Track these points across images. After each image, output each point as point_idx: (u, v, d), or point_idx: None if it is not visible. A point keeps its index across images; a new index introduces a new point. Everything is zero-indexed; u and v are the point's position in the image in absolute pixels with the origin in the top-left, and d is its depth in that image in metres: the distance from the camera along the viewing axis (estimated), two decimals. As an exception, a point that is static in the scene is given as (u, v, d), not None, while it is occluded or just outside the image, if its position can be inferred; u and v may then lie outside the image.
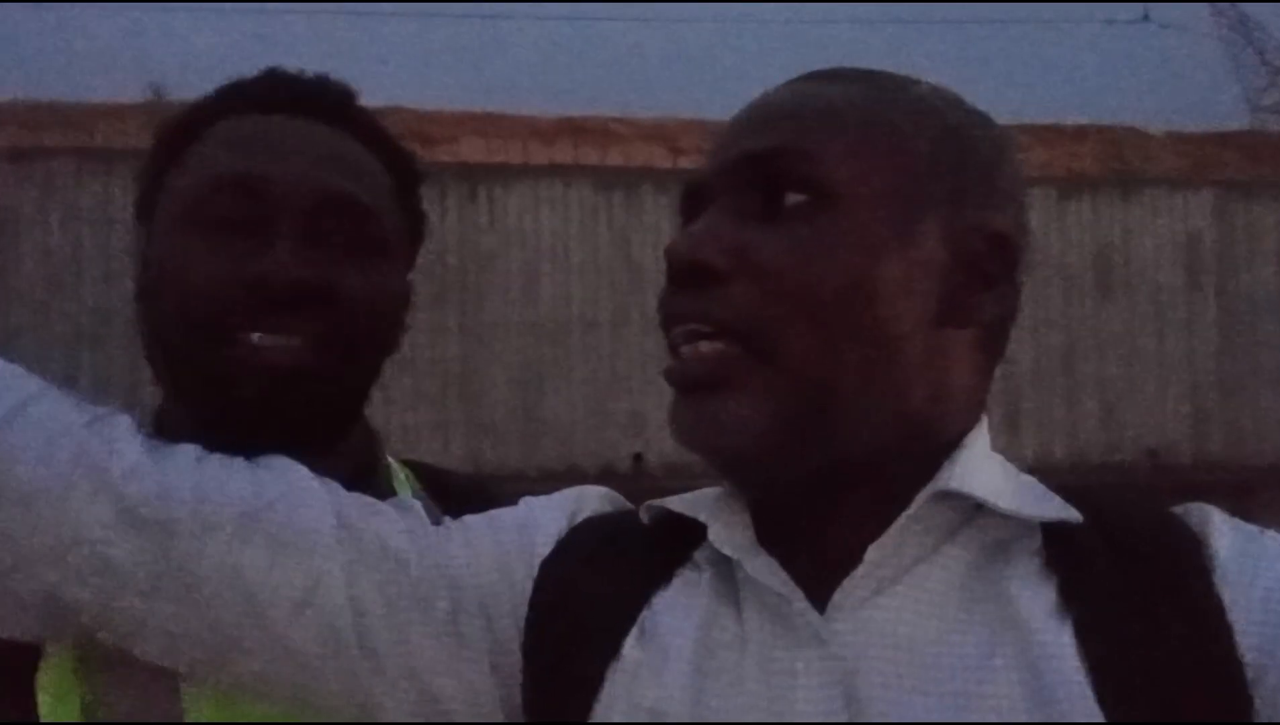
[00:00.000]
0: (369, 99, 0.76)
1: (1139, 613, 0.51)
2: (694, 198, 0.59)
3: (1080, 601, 0.52)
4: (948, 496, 0.54)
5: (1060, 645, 0.50)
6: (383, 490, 0.73)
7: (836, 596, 0.53)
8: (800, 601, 0.54)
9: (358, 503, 0.62)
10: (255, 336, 0.67)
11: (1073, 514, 0.53)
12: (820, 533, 0.56)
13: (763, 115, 0.57)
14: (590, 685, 0.56)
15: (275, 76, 0.74)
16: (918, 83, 0.60)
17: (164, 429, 0.70)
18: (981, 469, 0.56)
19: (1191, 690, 0.49)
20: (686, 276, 0.55)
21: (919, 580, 0.53)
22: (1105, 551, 0.53)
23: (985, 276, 0.56)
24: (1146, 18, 13.46)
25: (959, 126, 0.58)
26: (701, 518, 0.57)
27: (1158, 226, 7.66)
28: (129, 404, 0.71)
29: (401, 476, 0.77)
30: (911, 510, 0.54)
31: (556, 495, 0.65)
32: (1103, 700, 0.49)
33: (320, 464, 0.70)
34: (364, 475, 0.73)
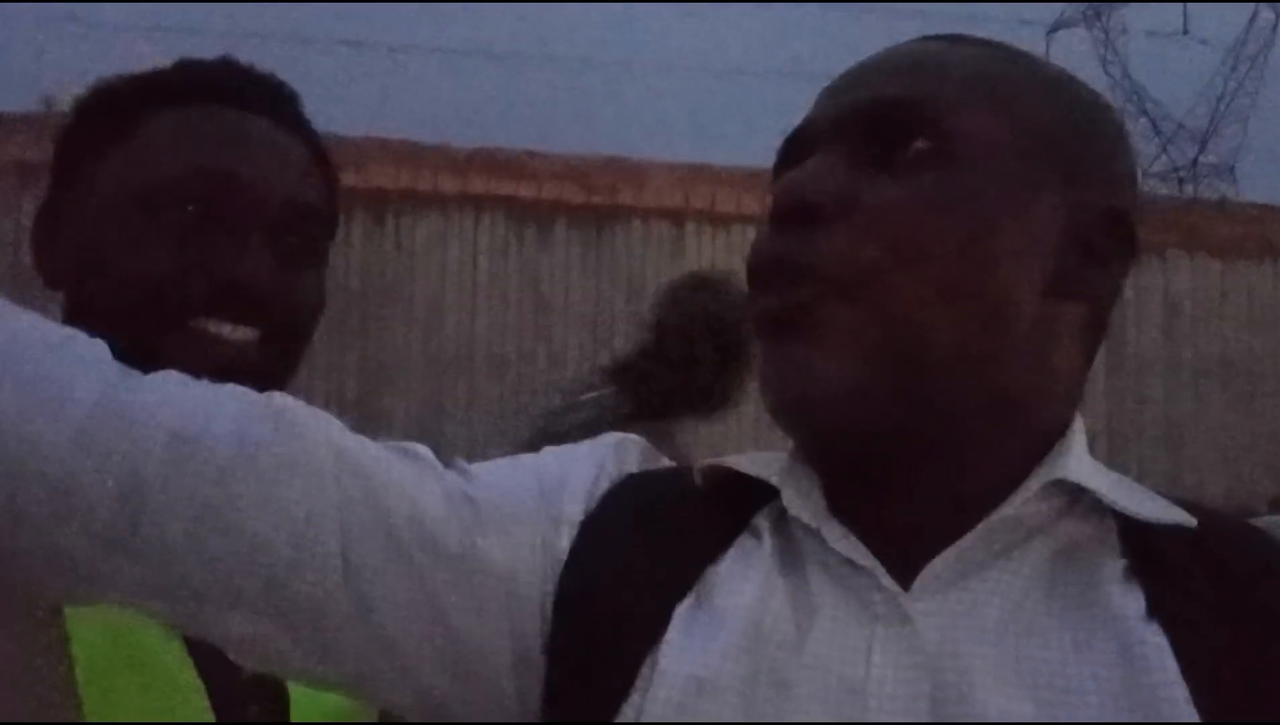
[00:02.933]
0: None
1: (1229, 627, 0.50)
2: (798, 146, 0.56)
3: (1170, 611, 0.50)
4: (1056, 486, 0.52)
5: (1158, 648, 0.49)
6: None
7: (924, 575, 0.51)
8: (884, 577, 0.51)
9: (358, 444, 0.56)
10: (208, 323, 0.69)
11: (1186, 517, 0.52)
12: (899, 508, 0.53)
13: (886, 66, 0.56)
14: (637, 656, 0.51)
15: (232, 68, 0.75)
16: (1042, 59, 0.60)
17: None
18: (1088, 462, 0.54)
19: None
20: (791, 216, 0.52)
21: (1010, 569, 0.51)
22: (1192, 563, 0.51)
23: (1098, 252, 0.55)
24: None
25: (1082, 101, 0.58)
26: (774, 481, 0.54)
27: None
28: None
29: None
30: (1028, 493, 0.52)
31: (588, 445, 0.60)
32: (1200, 709, 0.48)
33: None
34: None
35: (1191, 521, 0.52)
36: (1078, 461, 0.53)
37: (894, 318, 0.51)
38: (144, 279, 0.69)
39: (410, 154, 7.29)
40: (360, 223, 7.13)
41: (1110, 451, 7.71)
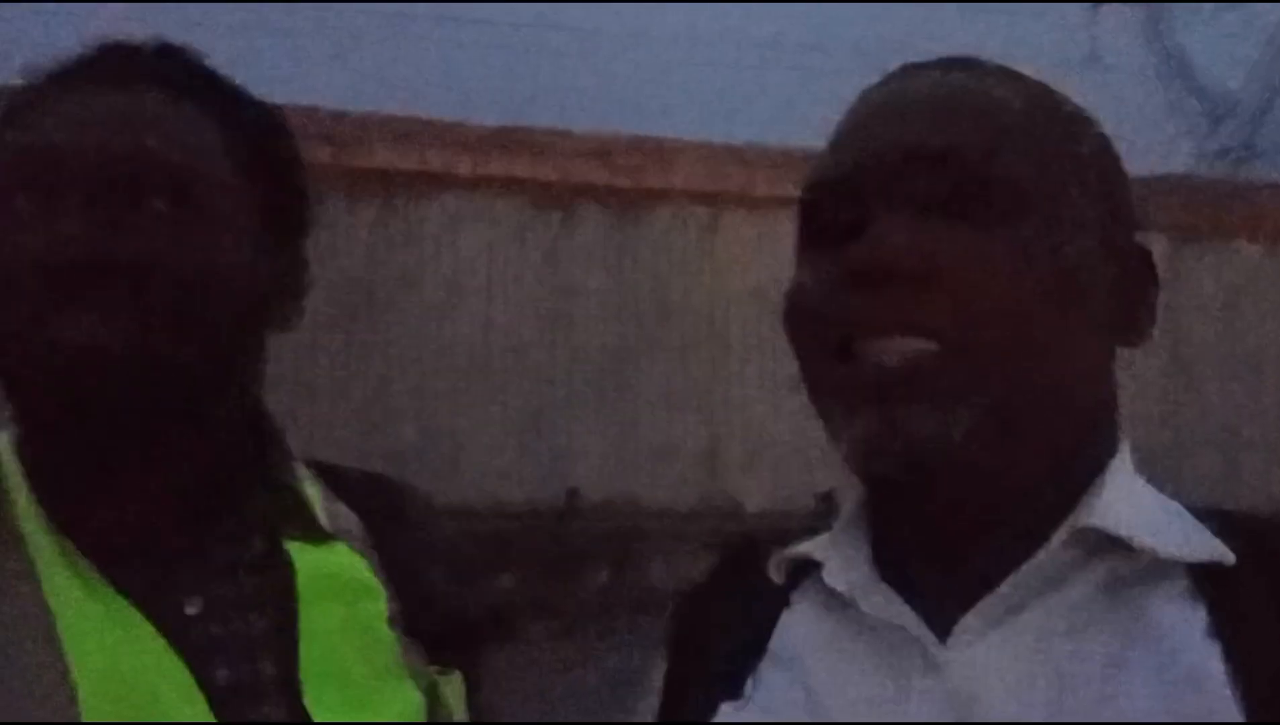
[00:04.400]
0: (271, 96, 0.73)
1: None
2: (843, 192, 0.58)
3: (1231, 631, 0.52)
4: (1088, 530, 0.55)
5: (1208, 670, 0.51)
6: (291, 507, 0.72)
7: (960, 626, 0.55)
8: (918, 628, 0.55)
9: None
10: (50, 324, 0.63)
11: (1225, 553, 0.54)
12: (948, 559, 0.57)
13: (932, 110, 0.58)
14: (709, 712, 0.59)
15: (106, 48, 0.71)
16: (1060, 92, 0.62)
17: (30, 435, 0.69)
18: (1125, 499, 0.56)
19: None
20: (880, 280, 0.55)
21: (1046, 609, 0.55)
22: (1259, 581, 0.53)
23: (1136, 287, 0.59)
24: (1094, 57, 13.86)
25: (1104, 138, 0.61)
26: (817, 556, 0.59)
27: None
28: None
29: (308, 481, 0.75)
30: (1052, 545, 0.54)
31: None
32: None
33: (187, 459, 0.69)
34: (267, 486, 0.72)
35: (1228, 558, 0.53)
36: (1107, 505, 0.55)
37: (995, 373, 0.54)
38: None
39: (422, 132, 7.29)
40: (368, 206, 7.15)
41: (1167, 448, 7.63)
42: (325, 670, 0.67)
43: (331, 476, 0.77)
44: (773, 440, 7.44)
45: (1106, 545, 0.54)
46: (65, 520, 0.66)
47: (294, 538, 0.70)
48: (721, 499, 7.42)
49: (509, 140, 7.48)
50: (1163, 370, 7.84)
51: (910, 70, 0.61)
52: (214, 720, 0.64)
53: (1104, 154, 0.61)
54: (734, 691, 0.59)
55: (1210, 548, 0.54)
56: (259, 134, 0.72)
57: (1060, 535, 0.54)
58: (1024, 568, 0.54)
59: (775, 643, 0.60)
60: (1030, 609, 0.54)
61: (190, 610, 0.66)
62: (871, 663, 0.56)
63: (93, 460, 0.68)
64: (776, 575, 0.61)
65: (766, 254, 7.56)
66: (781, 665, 0.59)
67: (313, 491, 0.74)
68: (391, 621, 0.70)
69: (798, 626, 0.60)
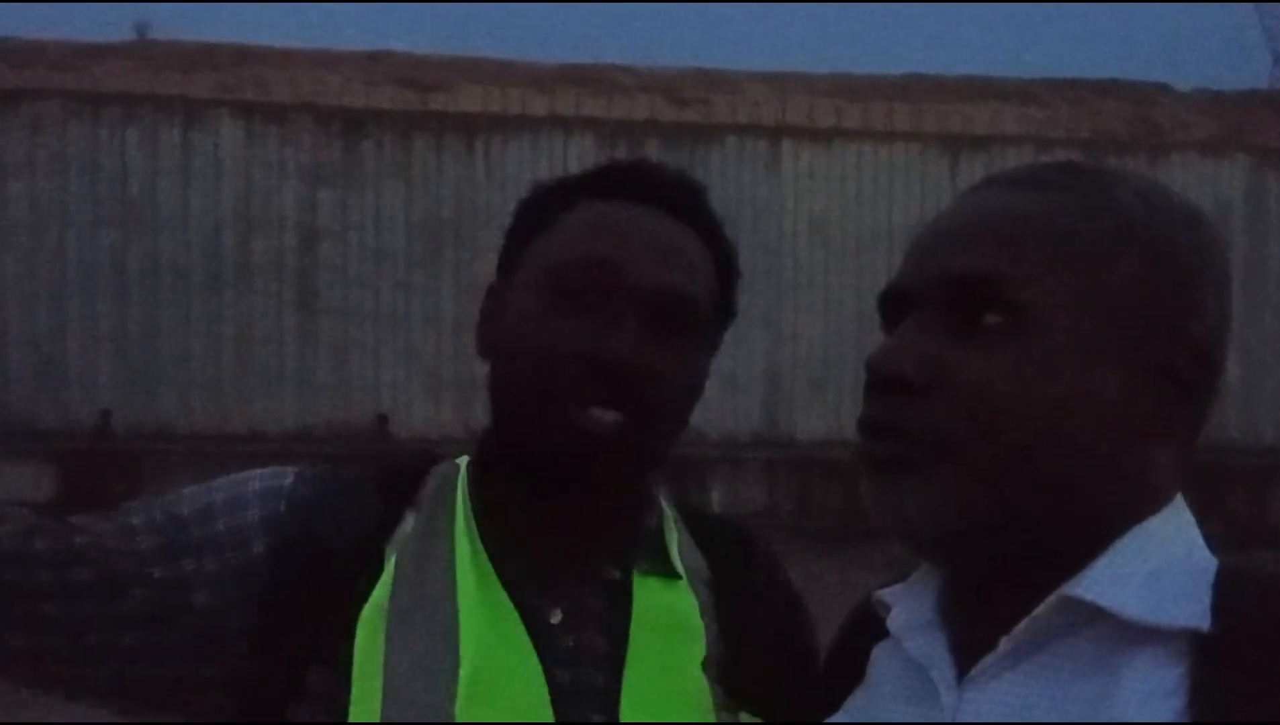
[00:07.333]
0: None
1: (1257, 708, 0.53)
2: (893, 301, 0.64)
3: (1198, 690, 0.55)
4: (1072, 600, 0.58)
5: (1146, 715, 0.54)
6: (657, 547, 0.82)
7: (974, 670, 0.61)
8: (938, 671, 0.62)
9: None
10: (579, 407, 0.76)
11: (1200, 620, 0.56)
12: (984, 608, 0.62)
13: (963, 232, 0.62)
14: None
15: (637, 168, 0.86)
16: (1122, 184, 0.63)
17: (484, 460, 0.82)
18: (1128, 565, 0.59)
19: None
20: (884, 386, 0.60)
21: (1038, 665, 0.59)
22: (1242, 641, 0.55)
23: (1184, 386, 0.60)
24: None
25: (1160, 237, 0.61)
26: (888, 601, 0.67)
27: (1186, 192, 7.54)
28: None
29: (672, 523, 0.85)
30: (1038, 613, 0.59)
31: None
32: None
33: (598, 519, 0.81)
34: (637, 536, 0.82)
35: (1202, 624, 0.55)
36: (1098, 575, 0.58)
37: (982, 476, 0.58)
38: (532, 361, 0.78)
39: (497, 71, 7.27)
40: (451, 149, 7.18)
41: (1245, 370, 7.41)
42: (641, 690, 0.77)
43: (692, 519, 0.87)
44: (831, 371, 7.40)
45: (1096, 610, 0.58)
46: (488, 539, 0.79)
47: (645, 572, 0.81)
48: (779, 429, 7.42)
49: (577, 76, 7.43)
50: (1242, 292, 7.57)
51: (984, 183, 0.65)
52: (550, 710, 0.75)
53: (1150, 260, 0.60)
54: (836, 710, 0.67)
55: (1189, 614, 0.56)
56: (729, 264, 0.85)
57: (1047, 605, 0.58)
58: (1015, 631, 0.59)
59: (870, 667, 0.68)
60: (1024, 665, 0.59)
61: (553, 620, 0.78)
62: (911, 693, 0.63)
63: (540, 507, 0.80)
64: (881, 611, 0.67)
65: (828, 184, 7.44)
66: (868, 686, 0.67)
67: (673, 533, 0.83)
68: (705, 665, 0.78)
69: (882, 655, 0.67)
